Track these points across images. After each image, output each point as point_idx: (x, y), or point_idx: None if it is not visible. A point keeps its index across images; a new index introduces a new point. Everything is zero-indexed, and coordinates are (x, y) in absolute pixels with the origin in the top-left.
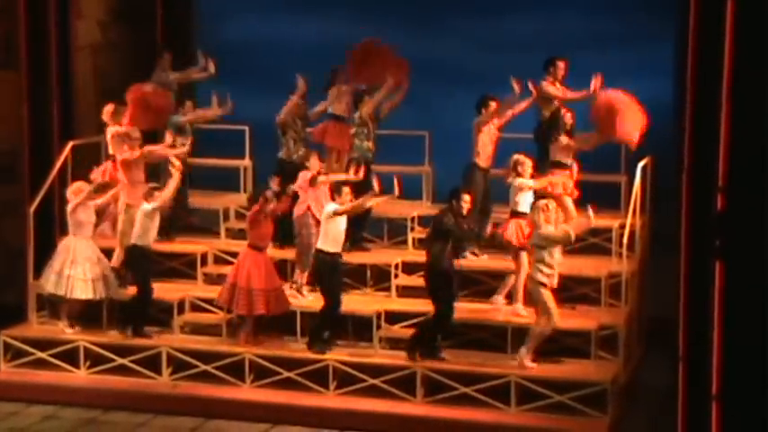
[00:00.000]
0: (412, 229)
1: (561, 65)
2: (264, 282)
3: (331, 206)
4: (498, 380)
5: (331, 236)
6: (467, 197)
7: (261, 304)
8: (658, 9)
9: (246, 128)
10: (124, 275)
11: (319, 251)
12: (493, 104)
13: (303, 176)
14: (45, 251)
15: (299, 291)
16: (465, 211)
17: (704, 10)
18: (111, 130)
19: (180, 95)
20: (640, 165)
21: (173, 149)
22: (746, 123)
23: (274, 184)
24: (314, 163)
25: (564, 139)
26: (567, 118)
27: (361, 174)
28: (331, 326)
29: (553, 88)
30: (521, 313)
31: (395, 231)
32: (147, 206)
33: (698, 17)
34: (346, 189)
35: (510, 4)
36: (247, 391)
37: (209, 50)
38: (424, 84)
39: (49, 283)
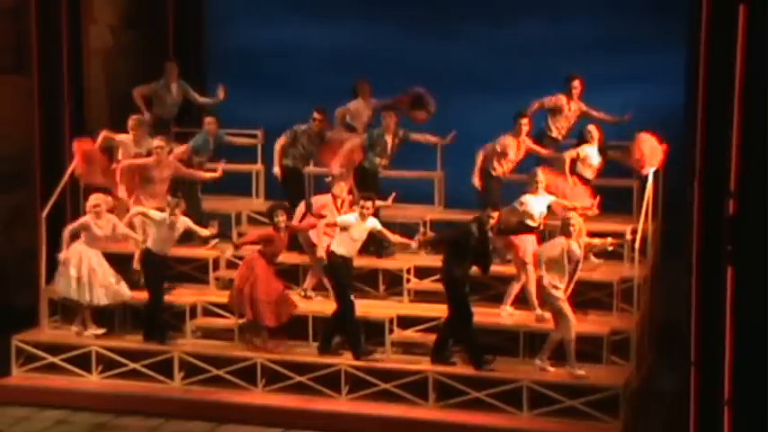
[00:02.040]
0: (424, 233)
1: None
2: (271, 292)
3: (348, 220)
4: (510, 384)
5: (346, 241)
6: (494, 214)
7: (270, 314)
8: (670, 15)
9: (259, 132)
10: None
11: (332, 252)
12: (523, 121)
13: (317, 202)
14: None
15: (306, 296)
16: (489, 226)
17: (716, 15)
18: (133, 149)
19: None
20: (652, 170)
21: (206, 173)
22: (758, 128)
23: (282, 218)
24: (339, 189)
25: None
26: (594, 133)
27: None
28: (341, 330)
29: None
30: (544, 318)
31: (408, 235)
32: (156, 215)
33: (710, 22)
34: (368, 204)
35: (521, 10)
36: (259, 396)
37: (219, 56)
38: (435, 89)
39: (71, 290)
